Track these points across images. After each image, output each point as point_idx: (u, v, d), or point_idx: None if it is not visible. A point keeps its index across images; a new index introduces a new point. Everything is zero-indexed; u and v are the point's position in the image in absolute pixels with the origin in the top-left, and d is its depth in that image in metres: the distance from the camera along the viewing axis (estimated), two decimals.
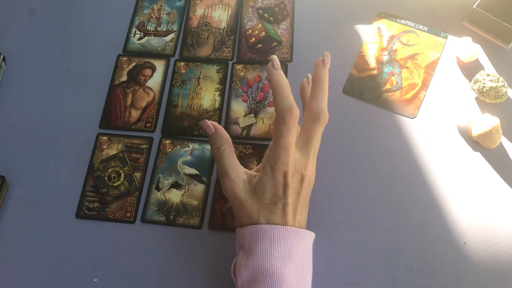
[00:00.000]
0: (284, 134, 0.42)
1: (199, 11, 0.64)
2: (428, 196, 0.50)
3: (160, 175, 0.54)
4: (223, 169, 0.44)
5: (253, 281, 0.40)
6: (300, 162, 0.43)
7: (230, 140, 0.46)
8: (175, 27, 0.63)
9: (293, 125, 0.43)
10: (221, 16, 0.63)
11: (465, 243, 0.48)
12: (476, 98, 0.55)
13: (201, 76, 0.59)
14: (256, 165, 0.53)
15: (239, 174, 0.44)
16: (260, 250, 0.41)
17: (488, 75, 0.53)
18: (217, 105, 0.57)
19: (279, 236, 0.41)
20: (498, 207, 0.49)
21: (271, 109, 0.56)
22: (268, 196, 0.43)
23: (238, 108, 0.57)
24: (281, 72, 0.45)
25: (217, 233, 0.51)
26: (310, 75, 0.48)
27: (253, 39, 0.59)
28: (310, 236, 0.44)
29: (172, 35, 0.63)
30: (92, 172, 0.55)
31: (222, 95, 0.58)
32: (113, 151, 0.56)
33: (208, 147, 0.55)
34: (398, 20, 0.60)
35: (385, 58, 0.58)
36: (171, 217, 0.52)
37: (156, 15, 0.64)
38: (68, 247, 0.51)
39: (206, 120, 0.46)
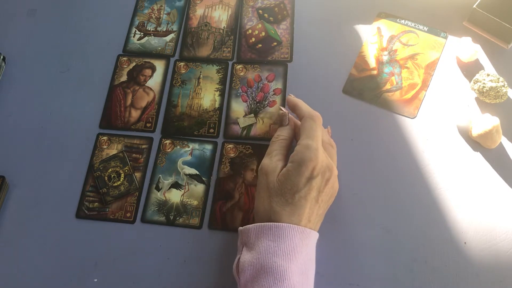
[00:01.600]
0: (314, 132, 0.45)
1: (199, 11, 0.64)
2: (428, 196, 0.50)
3: (160, 175, 0.54)
4: (271, 149, 0.48)
5: (256, 277, 0.40)
6: (328, 162, 0.45)
7: (293, 138, 0.50)
8: (175, 27, 0.63)
9: (320, 125, 0.47)
10: (221, 16, 0.63)
11: (465, 243, 0.48)
12: (476, 98, 0.55)
13: (201, 76, 0.59)
14: (256, 165, 0.53)
15: (280, 160, 0.46)
16: (265, 247, 0.41)
17: (488, 75, 0.53)
18: (217, 105, 0.57)
19: (284, 233, 0.41)
20: (498, 207, 0.49)
21: (271, 109, 0.56)
22: (289, 185, 0.43)
23: (238, 108, 0.57)
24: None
25: (217, 233, 0.51)
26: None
27: (253, 39, 0.59)
28: (314, 236, 0.44)
29: (172, 35, 0.63)
30: (92, 172, 0.55)
31: (222, 95, 0.58)
32: (113, 151, 0.56)
33: (208, 147, 0.55)
34: (398, 20, 0.60)
35: (385, 58, 0.58)
36: (171, 217, 0.52)
37: (156, 15, 0.64)
38: (68, 247, 0.51)
39: (288, 114, 0.50)
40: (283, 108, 0.51)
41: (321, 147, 0.45)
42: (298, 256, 0.41)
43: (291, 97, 0.51)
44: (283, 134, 0.49)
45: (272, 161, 0.46)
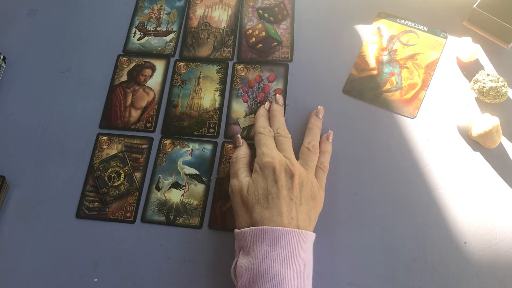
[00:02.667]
0: (265, 141, 0.49)
1: (199, 11, 0.64)
2: (428, 196, 0.50)
3: (160, 175, 0.54)
4: (235, 170, 0.49)
5: (253, 283, 0.40)
6: (285, 162, 0.46)
7: (250, 154, 0.52)
8: (175, 27, 0.63)
9: (271, 136, 0.50)
10: (221, 16, 0.63)
11: (465, 243, 0.48)
12: (476, 98, 0.55)
13: (201, 76, 0.59)
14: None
15: (246, 176, 0.48)
16: (261, 252, 0.41)
17: (488, 75, 0.53)
18: (217, 105, 0.57)
19: (281, 238, 0.41)
20: (498, 207, 0.49)
21: None
22: (260, 191, 0.45)
23: (239, 108, 0.57)
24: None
25: (217, 233, 0.51)
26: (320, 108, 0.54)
27: (254, 39, 0.59)
28: (311, 237, 0.44)
29: (172, 35, 0.63)
30: (92, 172, 0.55)
31: (222, 95, 0.58)
32: (113, 151, 0.56)
33: (208, 147, 0.55)
34: (398, 20, 0.60)
35: (385, 58, 0.58)
36: (171, 217, 0.52)
37: (156, 15, 0.64)
38: (68, 247, 0.51)
39: (239, 136, 0.53)
40: (239, 136, 0.53)
41: (275, 152, 0.48)
42: (296, 259, 0.41)
43: (261, 108, 0.54)
44: (241, 153, 0.51)
45: (240, 179, 0.48)
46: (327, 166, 0.51)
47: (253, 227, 0.43)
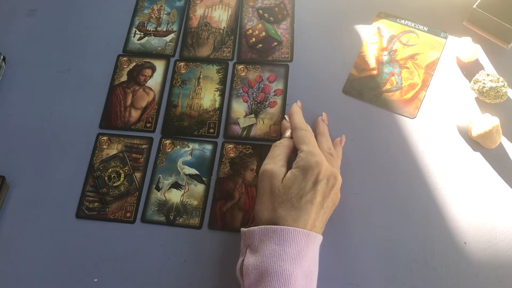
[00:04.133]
0: (309, 140, 0.47)
1: (199, 11, 0.64)
2: (428, 196, 0.50)
3: (160, 175, 0.54)
4: (274, 154, 0.48)
5: (261, 281, 0.40)
6: (331, 169, 0.45)
7: (293, 149, 0.49)
8: (175, 27, 0.63)
9: (313, 135, 0.49)
10: (221, 16, 0.63)
11: (465, 243, 0.48)
12: (476, 98, 0.55)
13: (201, 76, 0.59)
14: (256, 166, 0.53)
15: (283, 166, 0.46)
16: (270, 250, 0.41)
17: (488, 75, 0.53)
18: (217, 105, 0.57)
19: (289, 237, 0.41)
20: (498, 207, 0.49)
21: (272, 110, 0.56)
22: (295, 189, 0.43)
23: (239, 108, 0.57)
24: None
25: (217, 233, 0.51)
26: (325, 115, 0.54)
27: (254, 39, 0.59)
28: (319, 239, 0.44)
29: (172, 35, 0.63)
30: (92, 172, 0.55)
31: (222, 95, 0.58)
32: (113, 151, 0.56)
33: (208, 147, 0.55)
34: (398, 20, 0.60)
35: (385, 58, 0.58)
36: (171, 217, 0.52)
37: (156, 15, 0.64)
38: (68, 247, 0.51)
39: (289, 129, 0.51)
40: (287, 118, 0.52)
41: (322, 157, 0.46)
42: (303, 259, 0.41)
43: (295, 106, 0.53)
44: (285, 142, 0.49)
45: (277, 165, 0.46)
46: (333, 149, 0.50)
47: (262, 226, 0.43)
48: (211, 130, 0.56)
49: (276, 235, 0.41)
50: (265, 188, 0.45)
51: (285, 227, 0.42)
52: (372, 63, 0.58)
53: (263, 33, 0.59)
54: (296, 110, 0.52)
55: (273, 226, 0.42)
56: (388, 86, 0.56)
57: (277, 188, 0.44)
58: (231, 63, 0.60)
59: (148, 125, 0.57)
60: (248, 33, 0.60)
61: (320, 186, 0.44)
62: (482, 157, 0.52)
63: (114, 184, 0.54)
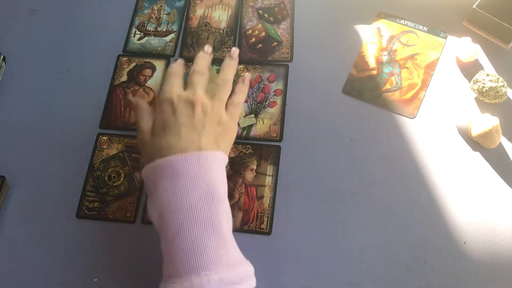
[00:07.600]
0: (165, 83, 0.49)
1: (199, 11, 0.64)
2: (428, 196, 0.50)
3: None
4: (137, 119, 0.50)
5: (161, 220, 0.41)
6: (187, 94, 0.47)
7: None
8: (175, 27, 0.63)
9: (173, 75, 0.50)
10: (221, 16, 0.63)
11: (464, 242, 0.48)
12: (476, 98, 0.55)
13: None
14: (256, 165, 0.53)
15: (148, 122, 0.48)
16: (164, 187, 0.41)
17: (487, 75, 0.53)
18: None
19: (177, 166, 0.42)
20: (497, 207, 0.49)
21: (272, 110, 0.56)
22: (159, 126, 0.45)
23: None
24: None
25: None
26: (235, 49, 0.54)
27: (254, 39, 0.59)
28: (219, 157, 0.44)
29: (172, 35, 0.63)
30: (92, 172, 0.55)
31: None
32: (113, 151, 0.56)
33: None
34: (398, 20, 0.60)
35: (384, 58, 0.58)
36: None
37: (156, 15, 0.64)
38: (68, 247, 0.51)
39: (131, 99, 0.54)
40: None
41: (176, 87, 0.47)
42: (200, 181, 0.41)
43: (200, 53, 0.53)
44: (140, 101, 0.51)
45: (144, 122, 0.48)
46: (239, 102, 0.51)
47: (148, 165, 0.44)
48: None
49: (162, 169, 0.42)
50: (145, 142, 0.47)
51: (167, 157, 0.42)
52: (372, 63, 0.58)
53: (263, 33, 0.59)
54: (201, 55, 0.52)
55: (157, 160, 0.43)
56: (388, 86, 0.56)
57: (147, 139, 0.47)
58: None
59: None
60: (248, 33, 0.60)
61: (179, 111, 0.45)
62: (482, 157, 0.52)
63: (114, 184, 0.54)
